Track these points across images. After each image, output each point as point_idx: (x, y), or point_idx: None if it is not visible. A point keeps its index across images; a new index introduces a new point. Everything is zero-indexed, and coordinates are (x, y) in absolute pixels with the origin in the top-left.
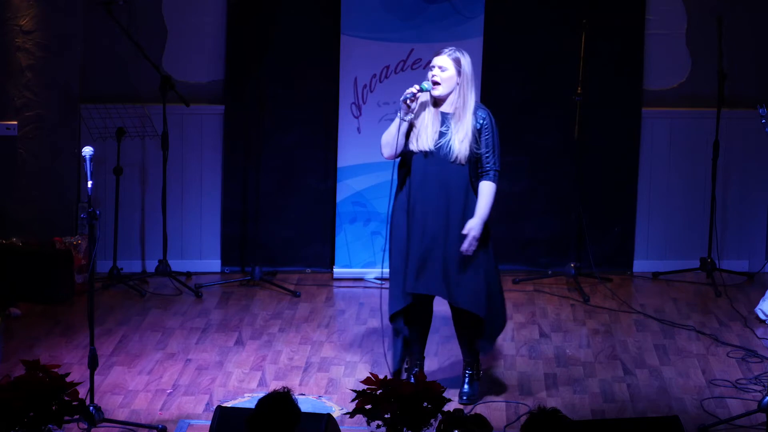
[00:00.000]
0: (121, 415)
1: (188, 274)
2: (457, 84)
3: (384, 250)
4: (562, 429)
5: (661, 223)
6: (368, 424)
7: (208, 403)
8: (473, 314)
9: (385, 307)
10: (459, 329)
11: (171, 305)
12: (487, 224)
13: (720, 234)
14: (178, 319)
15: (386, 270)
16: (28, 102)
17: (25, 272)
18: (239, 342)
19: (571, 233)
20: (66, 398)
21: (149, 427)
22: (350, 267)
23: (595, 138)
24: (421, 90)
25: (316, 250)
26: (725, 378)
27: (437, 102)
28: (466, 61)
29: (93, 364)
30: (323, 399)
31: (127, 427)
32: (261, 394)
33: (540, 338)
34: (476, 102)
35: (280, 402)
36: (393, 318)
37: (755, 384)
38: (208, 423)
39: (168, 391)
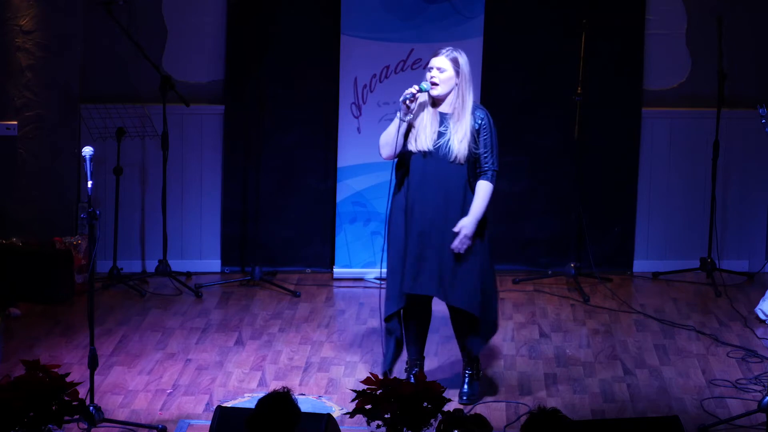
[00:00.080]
0: (121, 415)
1: (188, 274)
2: (456, 84)
3: (383, 250)
4: (562, 429)
5: (661, 223)
6: (368, 424)
7: (208, 403)
8: (469, 313)
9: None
10: (456, 329)
11: (171, 305)
12: (486, 224)
13: (720, 234)
14: (178, 319)
15: (385, 270)
16: (28, 102)
17: (25, 272)
18: (239, 342)
19: (571, 233)
20: (66, 398)
21: (149, 427)
22: (350, 267)
23: (595, 138)
24: (420, 90)
25: (316, 250)
26: (725, 378)
27: (435, 102)
28: (463, 60)
29: (93, 364)
30: (323, 399)
31: (127, 427)
32: (261, 394)
33: (540, 338)
34: (474, 102)
35: (280, 402)
36: (388, 319)
37: (755, 384)
38: (208, 423)
39: (168, 391)
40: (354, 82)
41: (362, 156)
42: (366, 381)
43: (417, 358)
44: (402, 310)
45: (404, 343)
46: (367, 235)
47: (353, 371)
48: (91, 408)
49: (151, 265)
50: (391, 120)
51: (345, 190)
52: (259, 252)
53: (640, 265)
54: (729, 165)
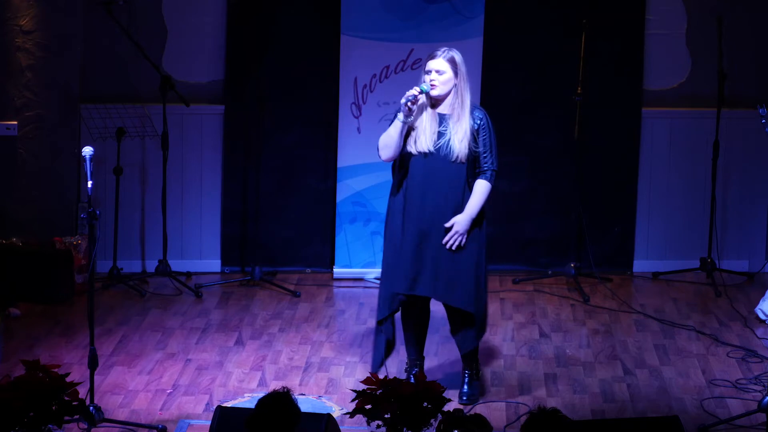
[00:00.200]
0: (121, 415)
1: (188, 274)
2: (455, 85)
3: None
4: (562, 429)
5: (661, 223)
6: (368, 424)
7: (208, 403)
8: (465, 312)
9: None
10: (453, 328)
11: (171, 305)
12: (484, 223)
13: (720, 234)
14: (178, 319)
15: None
16: (28, 102)
17: (25, 272)
18: (239, 342)
19: (571, 233)
20: (66, 398)
21: (149, 427)
22: (350, 267)
23: (595, 138)
24: (421, 92)
25: (316, 250)
26: (725, 378)
27: (434, 103)
28: (459, 59)
29: (93, 364)
30: (323, 399)
31: (127, 427)
32: (261, 394)
33: (540, 338)
34: (472, 103)
35: (280, 402)
36: (381, 321)
37: (755, 384)
38: (208, 423)
39: (168, 391)
40: (354, 82)
41: (362, 156)
42: (366, 381)
43: (417, 359)
44: (401, 311)
45: (395, 344)
46: (367, 235)
47: (353, 371)
48: (91, 408)
49: (151, 265)
50: (392, 120)
51: (345, 190)
52: (259, 252)
53: (640, 265)
54: (729, 165)
